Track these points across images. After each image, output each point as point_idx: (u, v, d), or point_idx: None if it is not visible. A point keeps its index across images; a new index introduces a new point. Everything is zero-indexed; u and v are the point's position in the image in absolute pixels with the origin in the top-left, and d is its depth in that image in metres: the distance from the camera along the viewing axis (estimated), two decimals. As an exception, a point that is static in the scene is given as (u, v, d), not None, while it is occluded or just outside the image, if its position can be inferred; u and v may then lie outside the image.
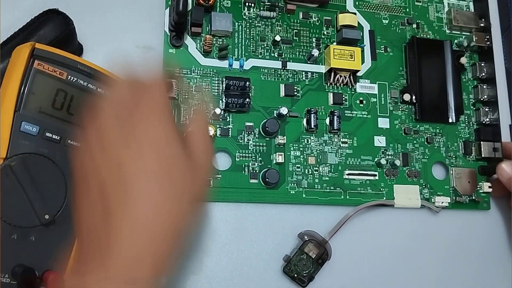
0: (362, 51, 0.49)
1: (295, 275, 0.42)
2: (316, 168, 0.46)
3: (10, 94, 0.34)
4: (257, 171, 0.44)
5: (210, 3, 0.45)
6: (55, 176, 0.35)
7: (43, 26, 0.39)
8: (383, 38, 0.50)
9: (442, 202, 0.48)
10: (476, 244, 0.49)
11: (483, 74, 0.51)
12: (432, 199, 0.48)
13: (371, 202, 0.46)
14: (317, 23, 0.49)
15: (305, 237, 0.43)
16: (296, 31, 0.48)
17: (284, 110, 0.45)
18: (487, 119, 0.50)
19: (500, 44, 0.56)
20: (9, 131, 0.34)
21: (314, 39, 0.48)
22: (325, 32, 0.49)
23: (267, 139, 0.45)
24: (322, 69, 0.48)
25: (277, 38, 0.46)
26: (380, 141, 0.48)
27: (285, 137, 0.45)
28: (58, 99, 0.36)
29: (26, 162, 0.34)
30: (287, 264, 0.42)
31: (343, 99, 0.48)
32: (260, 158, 0.45)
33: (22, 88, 0.34)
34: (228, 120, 0.45)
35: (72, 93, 0.36)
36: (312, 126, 0.46)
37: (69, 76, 0.36)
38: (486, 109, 0.50)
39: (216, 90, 0.45)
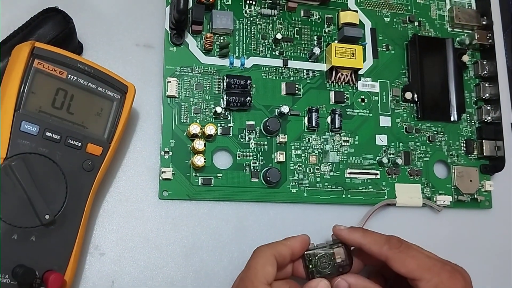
0: (364, 49, 0.49)
1: (309, 266, 0.38)
2: (318, 167, 0.46)
3: (10, 93, 0.34)
4: (258, 170, 0.44)
5: (211, 1, 0.44)
6: (55, 176, 0.35)
7: (42, 25, 0.39)
8: (385, 36, 0.50)
9: (444, 201, 0.48)
10: (477, 243, 0.49)
11: (485, 72, 0.51)
12: (434, 198, 0.48)
13: (375, 206, 0.45)
14: (318, 21, 0.49)
15: (338, 240, 0.39)
16: (298, 29, 0.48)
17: (285, 109, 0.45)
18: (489, 118, 0.50)
19: (502, 42, 0.55)
20: (9, 130, 0.33)
21: (315, 37, 0.48)
22: (326, 30, 0.49)
23: (268, 137, 0.45)
24: (324, 67, 0.48)
25: (278, 36, 0.46)
26: (381, 139, 0.48)
27: (286, 135, 0.45)
28: (58, 98, 0.36)
29: (26, 162, 0.33)
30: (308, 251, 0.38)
31: (345, 97, 0.47)
32: (261, 157, 0.44)
33: (22, 87, 0.34)
34: (229, 118, 0.44)
35: (72, 92, 0.36)
36: (314, 125, 0.46)
37: (69, 75, 0.36)
38: (488, 107, 0.50)
39: (217, 89, 0.45)
